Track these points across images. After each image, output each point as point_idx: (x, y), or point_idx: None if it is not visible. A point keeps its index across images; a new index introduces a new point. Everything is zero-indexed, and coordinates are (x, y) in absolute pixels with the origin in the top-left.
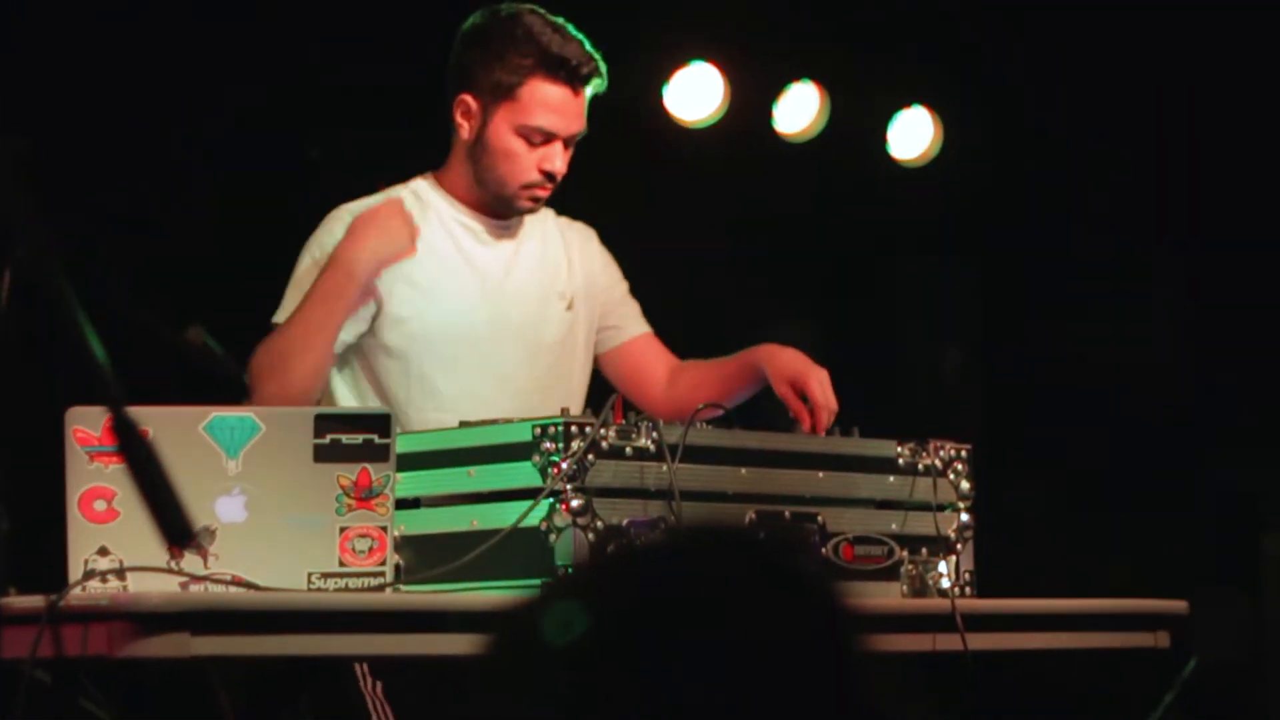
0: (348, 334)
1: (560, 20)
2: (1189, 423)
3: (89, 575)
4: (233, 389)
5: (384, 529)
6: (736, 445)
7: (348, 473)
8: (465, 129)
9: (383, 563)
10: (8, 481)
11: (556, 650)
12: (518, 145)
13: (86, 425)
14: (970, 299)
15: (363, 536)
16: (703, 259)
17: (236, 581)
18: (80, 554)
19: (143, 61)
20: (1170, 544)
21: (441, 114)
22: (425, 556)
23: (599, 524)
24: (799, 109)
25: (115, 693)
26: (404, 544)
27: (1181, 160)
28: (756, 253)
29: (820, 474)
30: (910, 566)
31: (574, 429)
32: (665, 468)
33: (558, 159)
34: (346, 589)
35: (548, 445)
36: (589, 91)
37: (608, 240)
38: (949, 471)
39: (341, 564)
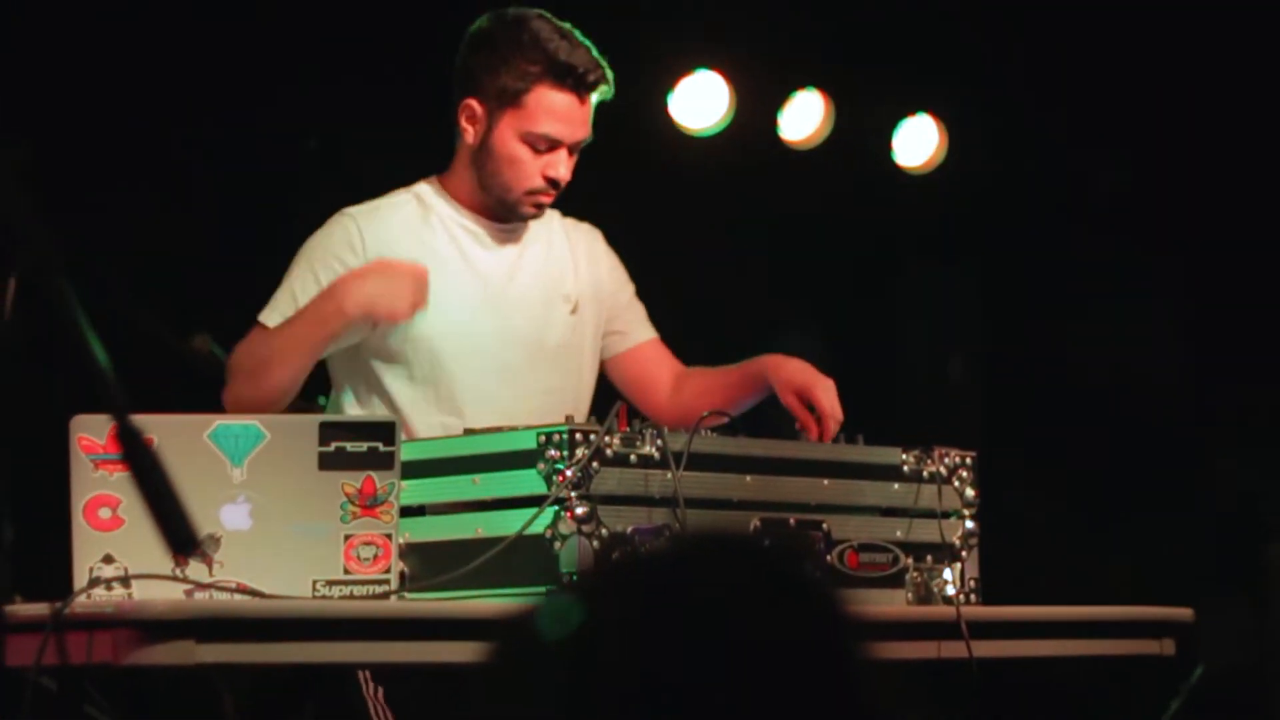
0: (351, 337)
1: (567, 26)
2: (1192, 426)
3: (94, 583)
4: None
5: (389, 536)
6: (741, 453)
7: (352, 480)
8: (470, 134)
9: (387, 570)
10: (12, 489)
11: (559, 657)
12: (522, 152)
13: (91, 433)
14: (974, 306)
15: (367, 544)
16: (708, 267)
17: (241, 589)
18: (85, 562)
19: (142, 61)
20: (1174, 548)
21: (446, 117)
22: (430, 564)
23: (603, 531)
24: (804, 117)
25: (120, 700)
26: (409, 551)
27: (1185, 168)
28: (761, 260)
29: (825, 481)
30: (915, 573)
31: (579, 436)
32: (670, 475)
33: (562, 166)
34: (351, 597)
35: (552, 453)
36: (595, 99)
37: (613, 248)
38: (953, 478)
39: (346, 571)
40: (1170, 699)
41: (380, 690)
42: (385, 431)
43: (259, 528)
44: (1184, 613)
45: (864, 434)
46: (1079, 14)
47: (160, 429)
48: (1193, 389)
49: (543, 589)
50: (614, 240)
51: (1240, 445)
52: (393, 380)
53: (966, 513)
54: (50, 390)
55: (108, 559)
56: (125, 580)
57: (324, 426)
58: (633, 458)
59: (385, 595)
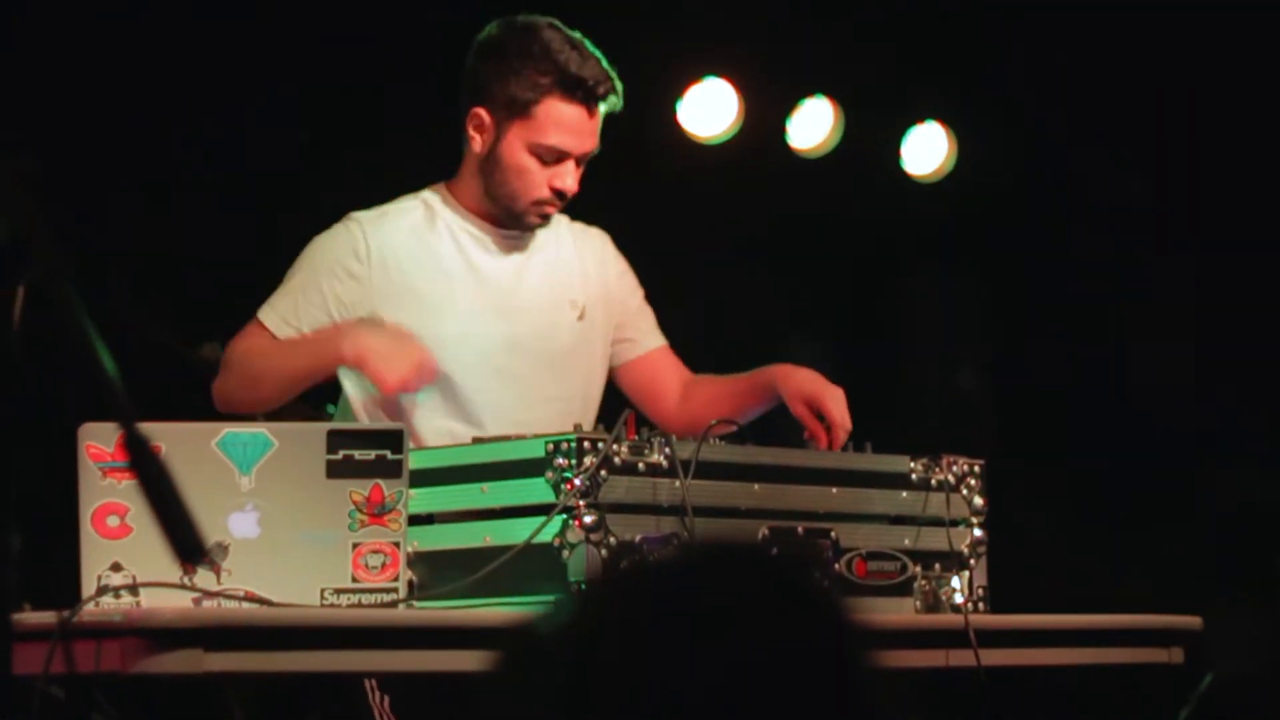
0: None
1: (578, 35)
2: (1202, 434)
3: (102, 591)
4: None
5: (397, 545)
6: (749, 461)
7: (361, 488)
8: (478, 142)
9: (396, 579)
10: (20, 497)
11: (566, 664)
12: (530, 162)
13: (99, 441)
14: (984, 314)
15: (376, 552)
16: (716, 274)
17: (249, 597)
18: (93, 570)
19: (143, 62)
20: (1183, 556)
21: (454, 123)
22: (438, 572)
23: (612, 540)
24: (813, 125)
25: (128, 708)
26: (417, 560)
27: (1196, 176)
28: (770, 268)
29: (833, 489)
30: (923, 582)
31: (587, 445)
32: (678, 483)
33: (569, 177)
34: (359, 605)
35: (561, 461)
36: (604, 110)
37: (621, 255)
38: (962, 486)
39: (354, 580)
40: (1179, 708)
41: (386, 699)
42: (393, 439)
43: (267, 536)
44: (1193, 621)
45: (872, 442)
46: (1088, 22)
47: (168, 437)
48: (1202, 396)
49: (551, 598)
50: (623, 247)
51: (1249, 453)
52: None
53: (975, 521)
54: (58, 398)
55: (116, 567)
56: (133, 588)
57: (332, 434)
58: (641, 466)
59: (393, 603)
